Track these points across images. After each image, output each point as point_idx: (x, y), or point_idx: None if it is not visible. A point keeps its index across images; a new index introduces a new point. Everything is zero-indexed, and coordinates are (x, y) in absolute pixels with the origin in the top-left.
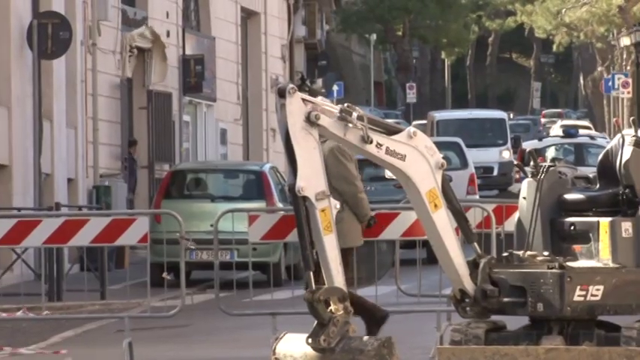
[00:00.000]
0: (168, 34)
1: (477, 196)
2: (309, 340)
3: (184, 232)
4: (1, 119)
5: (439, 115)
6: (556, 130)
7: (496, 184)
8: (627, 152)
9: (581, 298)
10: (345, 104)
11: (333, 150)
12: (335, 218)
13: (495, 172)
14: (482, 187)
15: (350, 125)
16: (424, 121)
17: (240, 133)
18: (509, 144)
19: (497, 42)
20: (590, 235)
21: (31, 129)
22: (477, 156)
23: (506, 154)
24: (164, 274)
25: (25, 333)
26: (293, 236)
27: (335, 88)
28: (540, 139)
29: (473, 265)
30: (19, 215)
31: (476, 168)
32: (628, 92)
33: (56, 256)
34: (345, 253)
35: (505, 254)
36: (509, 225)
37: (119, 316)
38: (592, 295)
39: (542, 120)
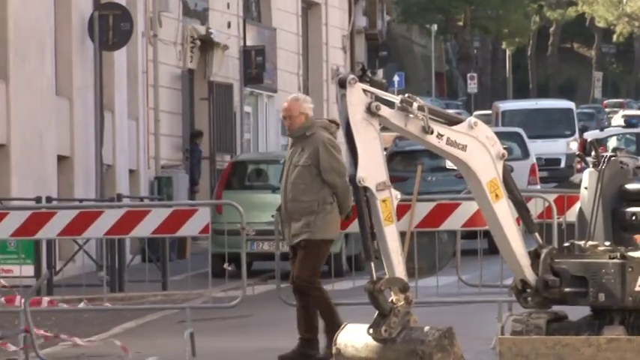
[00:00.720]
0: (229, 25)
1: (539, 187)
2: (370, 331)
3: (245, 223)
4: (62, 111)
5: (504, 105)
6: (617, 120)
7: (563, 176)
8: None
9: None
10: (406, 95)
11: (325, 142)
12: (318, 210)
13: (562, 164)
14: (547, 179)
15: (411, 116)
16: (486, 112)
17: None
18: (576, 134)
19: (558, 32)
20: None
21: (92, 120)
22: (543, 147)
23: (574, 146)
24: (225, 265)
25: (87, 324)
26: (354, 227)
27: (396, 78)
28: (602, 129)
29: (534, 256)
30: (80, 206)
31: (540, 159)
32: None
33: (118, 247)
34: (326, 245)
35: (566, 244)
36: (571, 215)
37: (180, 307)
38: None
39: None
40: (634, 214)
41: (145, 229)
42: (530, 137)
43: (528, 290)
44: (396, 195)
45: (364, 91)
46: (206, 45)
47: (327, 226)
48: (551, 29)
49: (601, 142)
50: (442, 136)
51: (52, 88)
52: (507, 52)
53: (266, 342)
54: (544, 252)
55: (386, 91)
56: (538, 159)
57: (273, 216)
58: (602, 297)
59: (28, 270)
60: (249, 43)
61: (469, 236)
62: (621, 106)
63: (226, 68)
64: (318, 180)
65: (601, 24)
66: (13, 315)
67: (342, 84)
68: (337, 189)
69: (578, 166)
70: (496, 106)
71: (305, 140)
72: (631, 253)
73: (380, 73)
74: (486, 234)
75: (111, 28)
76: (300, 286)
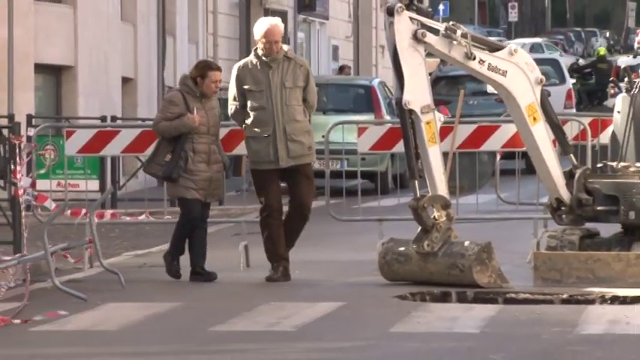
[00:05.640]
0: None
1: (574, 111)
2: (414, 245)
3: None
4: (127, 35)
5: None
6: None
7: None
8: None
9: None
10: (450, 23)
11: (308, 66)
12: (310, 130)
13: None
14: None
15: (454, 43)
16: (525, 40)
17: (351, 49)
18: None
19: None
20: None
21: (155, 44)
22: None
23: None
24: None
25: (149, 236)
26: (399, 147)
27: (441, 7)
28: (635, 57)
29: (569, 176)
30: (143, 125)
31: None
32: None
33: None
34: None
35: (599, 165)
36: (604, 138)
37: (236, 221)
38: None
39: (637, 38)
40: None
41: None
42: None
43: (563, 208)
44: (439, 117)
45: (411, 19)
46: None
47: (309, 149)
48: None
49: (634, 69)
50: (484, 61)
51: (117, 13)
52: None
53: (316, 254)
54: (578, 172)
55: (431, 19)
56: None
57: (323, 136)
58: (632, 215)
59: (94, 185)
60: None
61: (508, 157)
62: None
63: None
64: (301, 100)
65: None
66: (79, 227)
67: (390, 12)
68: (312, 110)
69: (612, 91)
70: None
71: (287, 63)
72: None
73: (426, 1)
74: (524, 155)
75: None
76: (307, 212)
